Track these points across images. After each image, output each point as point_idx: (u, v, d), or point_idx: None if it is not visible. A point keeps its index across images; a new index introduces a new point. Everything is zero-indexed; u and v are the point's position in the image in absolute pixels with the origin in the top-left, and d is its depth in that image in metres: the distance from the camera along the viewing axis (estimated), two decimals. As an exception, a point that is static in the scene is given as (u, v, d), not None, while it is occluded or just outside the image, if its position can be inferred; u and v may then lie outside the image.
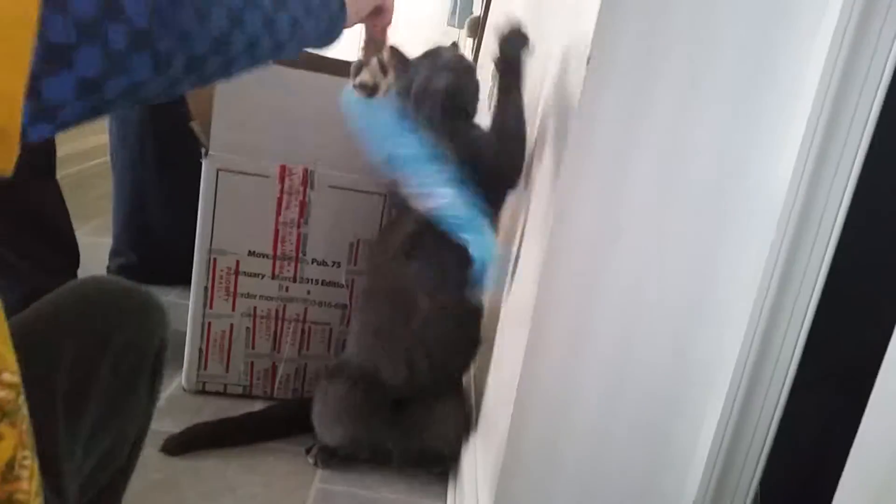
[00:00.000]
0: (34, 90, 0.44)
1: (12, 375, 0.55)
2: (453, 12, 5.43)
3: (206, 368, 1.51)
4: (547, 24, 1.30)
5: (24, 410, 0.55)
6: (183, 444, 1.33)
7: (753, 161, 0.78)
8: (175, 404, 1.47)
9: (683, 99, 0.78)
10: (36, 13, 0.43)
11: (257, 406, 1.51)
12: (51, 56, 0.45)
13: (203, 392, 1.52)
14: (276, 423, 1.45)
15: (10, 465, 0.51)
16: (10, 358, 0.55)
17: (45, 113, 0.46)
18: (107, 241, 2.04)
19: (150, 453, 1.30)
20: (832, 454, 0.65)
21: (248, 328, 1.50)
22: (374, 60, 1.10)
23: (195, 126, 1.49)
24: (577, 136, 0.81)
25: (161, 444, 1.33)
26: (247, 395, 1.54)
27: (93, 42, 0.47)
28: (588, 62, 0.78)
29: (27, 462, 0.52)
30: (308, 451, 1.37)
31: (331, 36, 0.70)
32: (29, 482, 0.52)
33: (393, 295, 1.26)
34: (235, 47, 0.57)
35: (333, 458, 1.35)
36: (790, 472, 0.81)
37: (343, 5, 0.70)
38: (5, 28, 0.41)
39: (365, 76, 1.12)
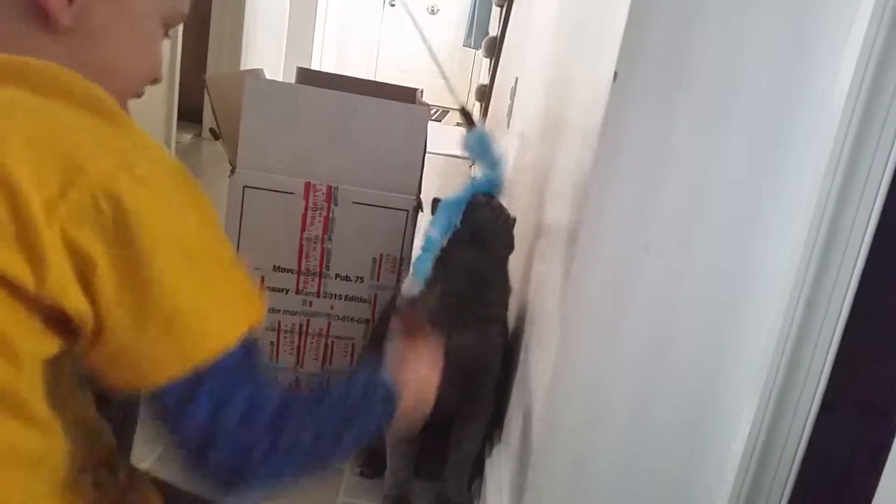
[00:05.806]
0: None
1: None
2: (469, 33, 5.50)
3: (230, 383, 1.52)
4: (568, 43, 1.33)
5: None
6: None
7: (783, 175, 0.79)
8: (200, 418, 1.48)
9: (711, 114, 0.79)
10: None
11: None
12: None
13: (227, 406, 1.53)
14: None
15: None
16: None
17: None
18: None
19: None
20: (868, 458, 0.65)
21: (271, 342, 1.52)
22: None
23: (222, 145, 1.53)
24: (603, 151, 0.82)
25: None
26: (270, 410, 1.55)
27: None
28: (614, 79, 0.79)
29: None
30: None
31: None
32: None
33: None
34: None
35: (380, 469, 1.34)
36: (824, 476, 0.80)
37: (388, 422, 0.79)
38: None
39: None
